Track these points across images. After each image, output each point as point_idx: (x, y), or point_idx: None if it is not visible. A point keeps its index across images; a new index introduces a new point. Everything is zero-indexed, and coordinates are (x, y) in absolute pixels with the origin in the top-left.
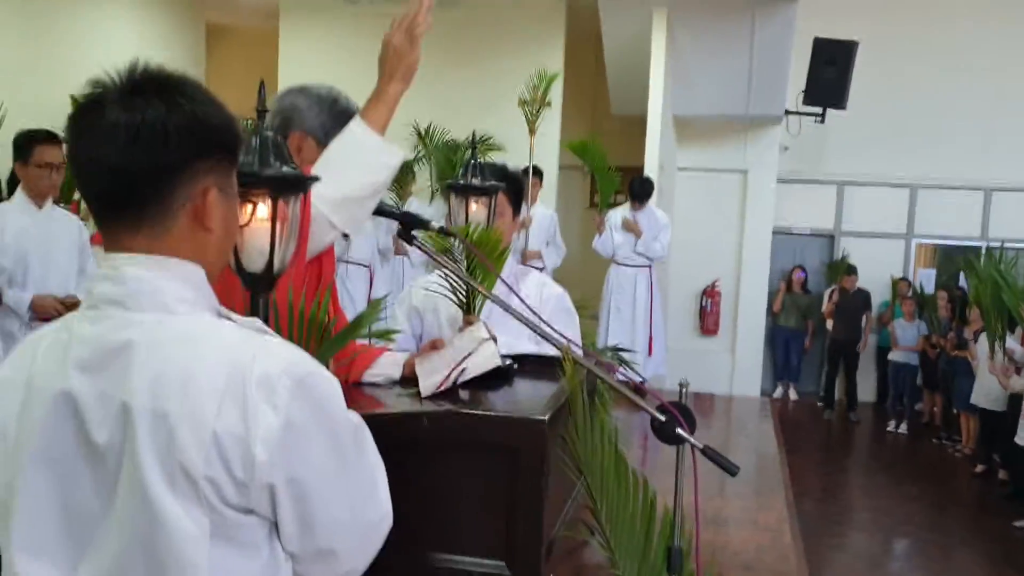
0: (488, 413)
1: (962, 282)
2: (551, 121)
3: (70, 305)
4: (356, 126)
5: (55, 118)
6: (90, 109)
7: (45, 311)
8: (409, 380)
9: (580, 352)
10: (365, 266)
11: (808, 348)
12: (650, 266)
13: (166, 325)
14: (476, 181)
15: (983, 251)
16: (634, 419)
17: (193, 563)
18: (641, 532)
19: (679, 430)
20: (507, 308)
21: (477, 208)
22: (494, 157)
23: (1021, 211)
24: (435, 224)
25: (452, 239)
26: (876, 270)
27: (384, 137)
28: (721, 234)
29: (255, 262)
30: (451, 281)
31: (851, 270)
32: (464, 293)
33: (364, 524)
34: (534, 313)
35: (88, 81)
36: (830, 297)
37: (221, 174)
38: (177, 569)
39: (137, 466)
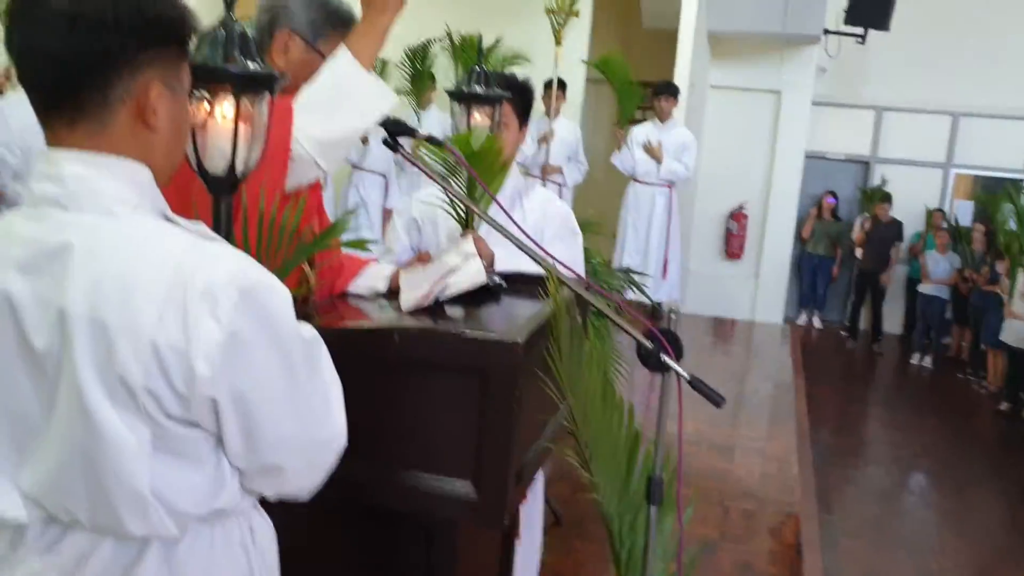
0: (460, 333)
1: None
2: (579, 33)
3: None
4: (346, 62)
5: None
6: None
7: None
8: (395, 293)
9: (582, 273)
10: (381, 175)
11: (835, 276)
12: (671, 185)
13: (106, 228)
14: (479, 89)
15: None
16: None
17: (132, 473)
18: (623, 461)
19: (664, 357)
20: (494, 224)
21: (480, 118)
22: (518, 68)
23: None
24: (422, 132)
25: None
26: (911, 200)
27: (374, 75)
28: (751, 156)
29: (216, 163)
30: (449, 194)
31: (886, 198)
32: (463, 207)
33: (313, 442)
34: (522, 231)
35: None
36: (862, 226)
37: (167, 68)
38: (116, 479)
39: (75, 375)
